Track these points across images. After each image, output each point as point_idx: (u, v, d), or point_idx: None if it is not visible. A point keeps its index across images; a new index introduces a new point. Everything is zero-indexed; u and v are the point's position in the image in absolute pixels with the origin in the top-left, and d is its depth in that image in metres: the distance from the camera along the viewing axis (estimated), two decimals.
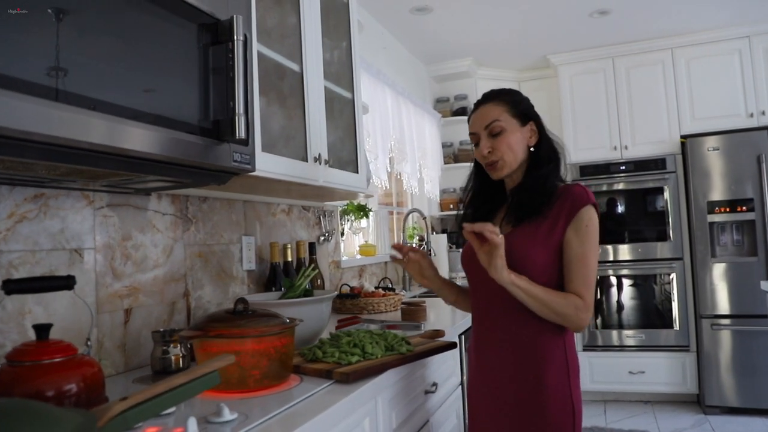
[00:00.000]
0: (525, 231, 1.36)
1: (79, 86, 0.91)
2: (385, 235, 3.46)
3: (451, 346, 1.60)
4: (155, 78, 1.09)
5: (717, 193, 3.93)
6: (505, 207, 1.47)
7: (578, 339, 4.32)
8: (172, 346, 1.41)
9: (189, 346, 1.43)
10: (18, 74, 0.82)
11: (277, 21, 1.94)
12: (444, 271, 3.76)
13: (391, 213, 4.05)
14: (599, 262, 4.22)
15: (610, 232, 4.31)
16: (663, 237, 4.16)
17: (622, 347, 4.23)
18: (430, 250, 3.58)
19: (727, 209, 3.91)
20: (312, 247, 2.36)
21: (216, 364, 0.95)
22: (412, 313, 2.11)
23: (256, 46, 1.60)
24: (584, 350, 4.30)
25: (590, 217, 1.33)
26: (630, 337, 4.22)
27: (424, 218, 3.54)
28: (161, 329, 1.44)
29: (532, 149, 1.43)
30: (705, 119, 4.11)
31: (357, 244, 3.29)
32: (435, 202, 4.43)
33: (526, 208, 1.37)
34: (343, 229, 2.98)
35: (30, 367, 0.94)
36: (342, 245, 2.96)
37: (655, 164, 4.18)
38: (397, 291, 2.80)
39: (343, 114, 2.26)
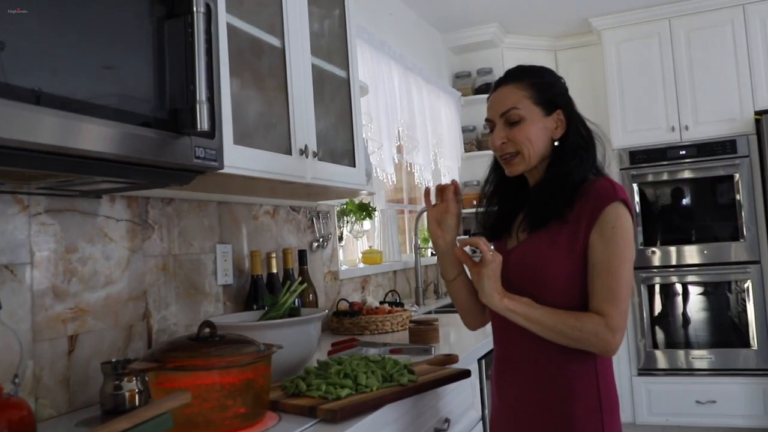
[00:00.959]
0: (542, 238, 1.36)
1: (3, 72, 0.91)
2: (393, 238, 3.45)
3: (463, 375, 1.59)
4: (98, 60, 1.09)
5: None
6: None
7: (632, 361, 4.28)
8: (126, 380, 1.41)
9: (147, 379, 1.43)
10: None
11: None
12: None
13: (402, 212, 4.04)
14: (655, 267, 4.25)
15: (672, 231, 4.26)
16: (735, 236, 4.10)
17: (687, 371, 4.19)
18: None
19: None
20: (302, 255, 2.36)
21: (167, 404, 0.95)
22: (421, 333, 2.10)
23: (225, 18, 1.61)
24: (639, 375, 4.26)
25: (617, 216, 1.30)
26: (697, 358, 4.17)
27: None
28: (114, 359, 1.44)
29: (557, 143, 1.43)
30: None
31: (359, 251, 3.29)
32: None
33: (542, 210, 1.37)
34: (341, 233, 2.98)
35: None
36: (340, 252, 2.96)
37: (723, 147, 4.13)
38: (406, 306, 2.80)
39: (336, 96, 2.26)
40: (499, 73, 4.58)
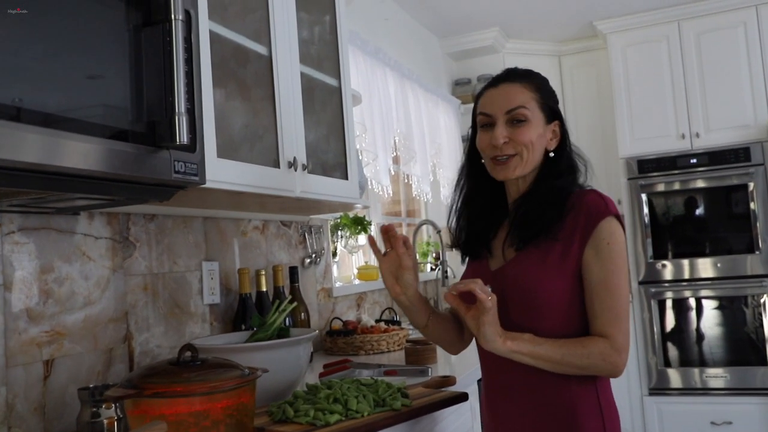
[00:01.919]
0: (534, 256, 1.34)
1: None
2: None
3: (460, 398, 1.58)
4: (71, 71, 1.09)
5: None
6: (507, 223, 1.45)
7: (642, 380, 4.26)
8: (104, 407, 1.40)
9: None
10: None
11: None
12: None
13: (399, 225, 4.04)
14: (666, 281, 4.23)
15: (684, 243, 4.25)
16: (751, 248, 4.09)
17: (702, 390, 4.15)
18: (446, 271, 3.56)
19: None
20: (294, 272, 2.35)
21: None
22: (418, 353, 2.09)
23: (207, 25, 1.61)
24: (651, 394, 4.23)
25: (612, 232, 1.30)
26: (712, 377, 4.14)
27: (438, 231, 3.52)
28: (92, 385, 1.44)
29: (551, 154, 1.43)
30: None
31: (354, 267, 3.28)
32: None
33: (533, 225, 1.35)
34: (335, 248, 2.97)
35: None
36: (335, 268, 2.96)
37: (736, 155, 4.12)
38: (403, 325, 2.79)
39: (327, 106, 2.26)
40: None
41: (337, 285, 2.90)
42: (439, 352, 2.22)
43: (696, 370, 4.18)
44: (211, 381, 1.22)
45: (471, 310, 1.25)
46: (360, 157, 2.83)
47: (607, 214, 1.31)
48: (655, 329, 4.25)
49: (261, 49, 1.88)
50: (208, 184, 1.42)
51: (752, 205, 4.09)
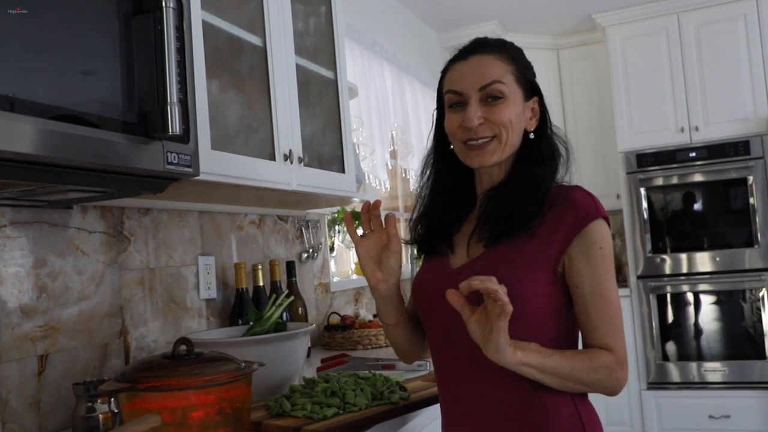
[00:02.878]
0: (504, 254, 1.18)
1: None
2: None
3: None
4: (61, 61, 1.07)
5: None
6: (475, 216, 1.27)
7: (641, 374, 4.26)
8: (99, 401, 1.39)
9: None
10: None
11: None
12: None
13: (397, 220, 4.03)
14: (665, 276, 4.22)
15: (682, 238, 4.24)
16: (749, 242, 4.08)
17: (700, 384, 4.15)
18: None
19: None
20: (291, 267, 2.34)
21: (135, 428, 0.93)
22: None
23: (200, 15, 1.59)
24: (649, 389, 4.23)
25: (603, 236, 1.17)
26: (710, 371, 4.14)
27: None
28: (87, 380, 1.42)
29: (531, 136, 1.27)
30: None
31: (352, 261, 3.26)
32: None
33: (509, 219, 1.19)
34: (332, 243, 2.96)
35: None
36: (332, 263, 2.94)
37: (736, 149, 4.11)
38: None
39: (323, 98, 2.25)
40: None
41: (334, 280, 2.89)
42: None
43: (694, 364, 4.18)
44: (206, 374, 1.21)
45: (476, 313, 1.05)
46: (357, 152, 2.82)
47: (598, 216, 1.17)
48: (653, 323, 4.24)
49: (255, 40, 1.87)
50: (202, 176, 1.41)
51: (751, 200, 4.08)
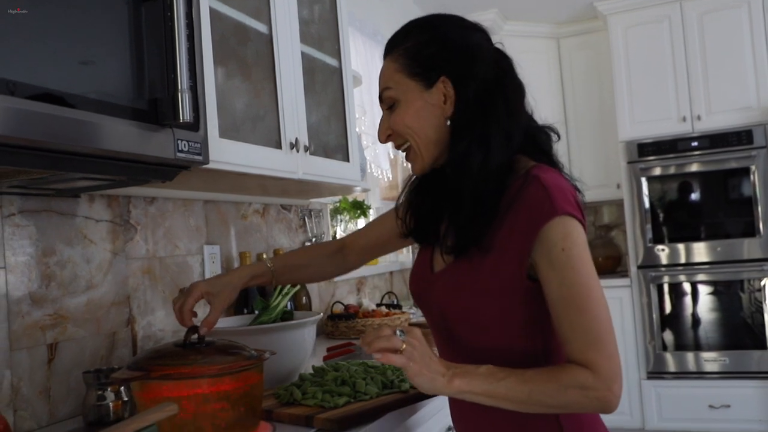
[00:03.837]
0: (464, 270, 1.12)
1: None
2: None
3: None
4: (71, 48, 1.07)
5: None
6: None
7: (640, 364, 4.28)
8: (109, 389, 1.40)
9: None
10: None
11: None
12: None
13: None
14: (664, 266, 4.24)
15: (682, 227, 4.25)
16: (751, 232, 4.09)
17: (698, 374, 4.18)
18: None
19: None
20: None
21: (153, 416, 0.94)
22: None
23: (207, 2, 1.59)
24: (649, 378, 4.25)
25: (564, 235, 1.03)
26: (710, 361, 4.17)
27: None
28: (96, 368, 1.43)
29: (448, 123, 1.14)
30: None
31: None
32: None
33: (462, 235, 1.11)
34: (335, 233, 2.96)
35: None
36: None
37: (738, 138, 4.12)
38: (404, 308, 2.79)
39: (328, 87, 2.25)
40: None
41: None
42: None
43: (694, 354, 4.21)
44: (218, 363, 1.21)
45: (400, 361, 1.02)
46: (359, 140, 2.82)
47: (554, 215, 1.03)
48: (653, 313, 4.26)
49: (261, 27, 1.86)
50: (211, 165, 1.41)
51: (754, 189, 4.09)
